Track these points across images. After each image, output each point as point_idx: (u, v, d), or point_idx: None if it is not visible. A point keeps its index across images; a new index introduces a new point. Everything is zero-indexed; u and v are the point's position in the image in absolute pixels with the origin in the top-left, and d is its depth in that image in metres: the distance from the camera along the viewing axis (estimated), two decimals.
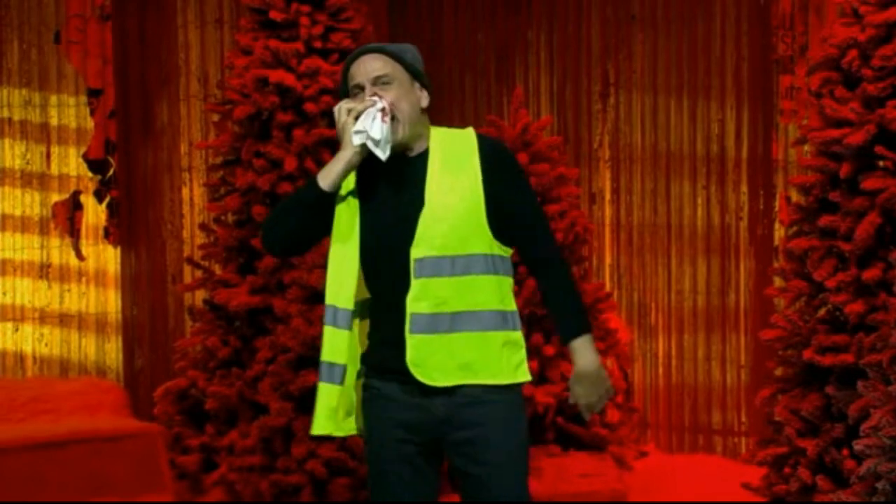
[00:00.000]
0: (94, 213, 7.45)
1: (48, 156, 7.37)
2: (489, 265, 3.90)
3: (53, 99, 7.36)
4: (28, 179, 7.32)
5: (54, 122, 7.37)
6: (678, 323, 7.61)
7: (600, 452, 6.87)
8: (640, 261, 7.68)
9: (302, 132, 6.55)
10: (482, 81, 7.95)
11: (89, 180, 7.44)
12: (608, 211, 7.74)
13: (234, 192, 6.68)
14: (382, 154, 3.83)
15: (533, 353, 6.48)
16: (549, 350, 6.69)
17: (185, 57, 7.59)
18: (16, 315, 7.30)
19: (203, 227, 7.05)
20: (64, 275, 7.39)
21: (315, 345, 6.13)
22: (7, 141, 7.28)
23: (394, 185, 3.92)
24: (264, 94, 6.56)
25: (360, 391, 4.03)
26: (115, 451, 6.40)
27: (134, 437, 6.48)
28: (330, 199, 3.89)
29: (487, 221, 3.89)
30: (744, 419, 7.44)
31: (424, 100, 3.96)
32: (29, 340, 7.34)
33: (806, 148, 6.53)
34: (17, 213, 7.31)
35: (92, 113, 7.43)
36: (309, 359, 6.19)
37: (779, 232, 7.18)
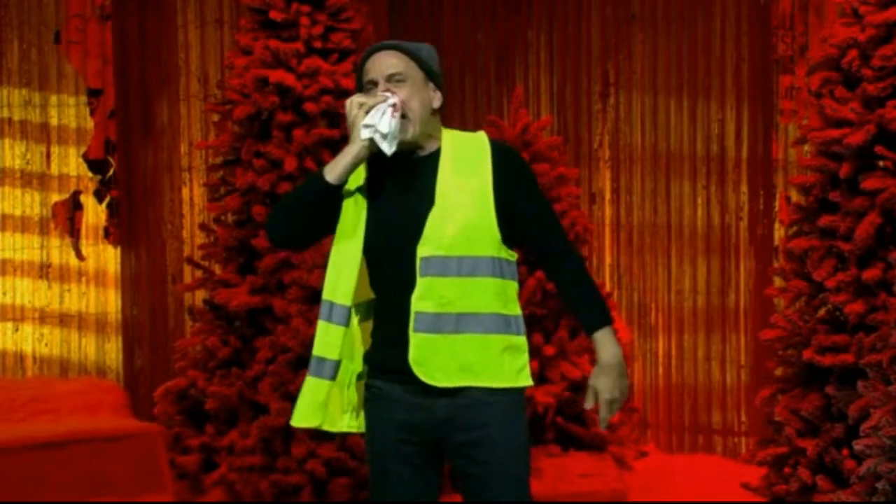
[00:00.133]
0: (94, 213, 7.45)
1: (48, 156, 7.37)
2: (495, 268, 3.89)
3: (53, 99, 7.36)
4: (28, 179, 7.32)
5: (54, 122, 7.37)
6: (678, 323, 7.61)
7: (600, 452, 6.87)
8: (640, 261, 7.68)
9: (302, 132, 6.55)
10: (482, 81, 7.95)
11: (89, 180, 7.44)
12: (608, 211, 7.74)
13: (234, 192, 6.68)
14: (388, 149, 3.82)
15: (533, 353, 6.48)
16: (549, 350, 6.69)
17: (185, 57, 7.59)
18: (16, 315, 7.30)
19: (203, 227, 7.05)
20: (64, 275, 7.39)
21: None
22: (7, 141, 7.28)
23: (403, 184, 3.91)
24: (264, 94, 6.56)
25: (361, 391, 4.03)
26: (115, 451, 6.40)
27: (134, 437, 6.48)
28: (336, 193, 3.87)
29: (497, 224, 3.89)
30: (744, 419, 7.44)
31: (437, 100, 3.96)
32: (29, 340, 7.34)
33: (806, 148, 6.53)
34: (17, 213, 7.31)
35: (92, 113, 7.43)
36: (309, 359, 6.18)
37: (779, 232, 7.18)
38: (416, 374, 3.85)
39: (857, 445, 5.11)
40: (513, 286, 3.95)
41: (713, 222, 7.51)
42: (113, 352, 7.53)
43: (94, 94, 7.42)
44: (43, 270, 7.36)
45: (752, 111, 7.37)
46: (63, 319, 7.39)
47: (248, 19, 6.76)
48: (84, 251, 7.43)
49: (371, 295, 3.98)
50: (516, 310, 3.95)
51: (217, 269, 6.82)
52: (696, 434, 7.58)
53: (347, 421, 4.07)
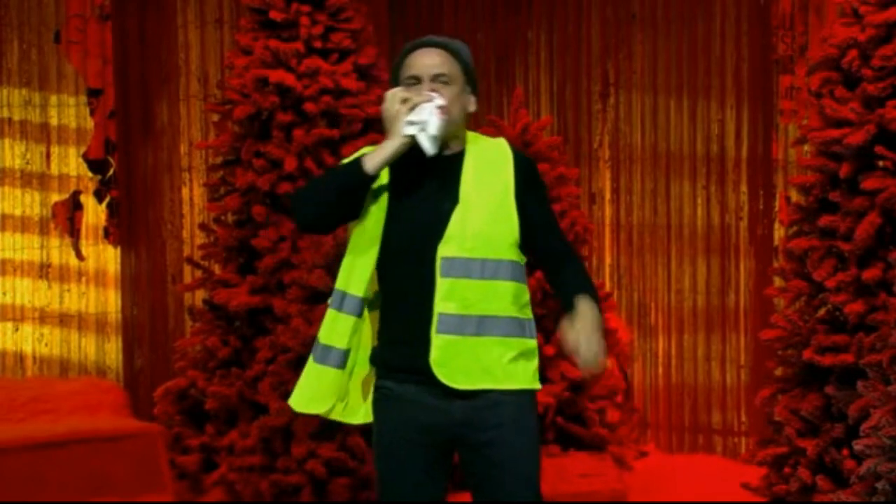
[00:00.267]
0: (94, 213, 7.45)
1: (48, 156, 7.37)
2: (514, 272, 3.92)
3: (53, 99, 7.36)
4: (28, 179, 7.32)
5: (54, 122, 7.37)
6: (678, 323, 7.61)
7: (600, 452, 6.86)
8: (640, 261, 7.68)
9: (302, 132, 6.55)
10: (482, 81, 7.91)
11: (89, 180, 7.44)
12: (608, 211, 7.74)
13: (234, 192, 6.68)
14: (431, 149, 3.82)
15: None
16: (549, 350, 6.69)
17: (185, 57, 7.59)
18: (16, 315, 7.30)
19: (203, 227, 7.05)
20: (64, 275, 7.39)
21: None
22: (7, 141, 7.28)
23: (426, 181, 3.91)
24: (264, 94, 6.56)
25: (366, 387, 4.02)
26: (115, 451, 6.39)
27: (134, 437, 6.48)
28: (370, 184, 3.86)
29: (517, 229, 3.90)
30: (744, 419, 7.44)
31: (472, 105, 3.98)
32: (29, 340, 7.34)
33: (806, 148, 6.53)
34: (17, 213, 7.31)
35: (92, 113, 7.43)
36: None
37: (779, 232, 7.18)
38: (437, 375, 3.84)
39: (857, 445, 5.11)
40: (526, 290, 3.97)
41: (713, 222, 7.50)
42: (113, 352, 7.53)
43: (94, 94, 7.42)
44: (43, 270, 7.36)
45: (752, 111, 7.37)
46: (63, 319, 7.39)
47: (248, 19, 6.76)
48: (84, 251, 7.43)
49: (375, 288, 3.98)
50: (530, 314, 3.98)
51: (217, 269, 6.82)
52: (696, 434, 7.58)
53: (352, 412, 4.06)
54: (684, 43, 7.55)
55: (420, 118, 3.81)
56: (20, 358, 7.32)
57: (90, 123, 7.43)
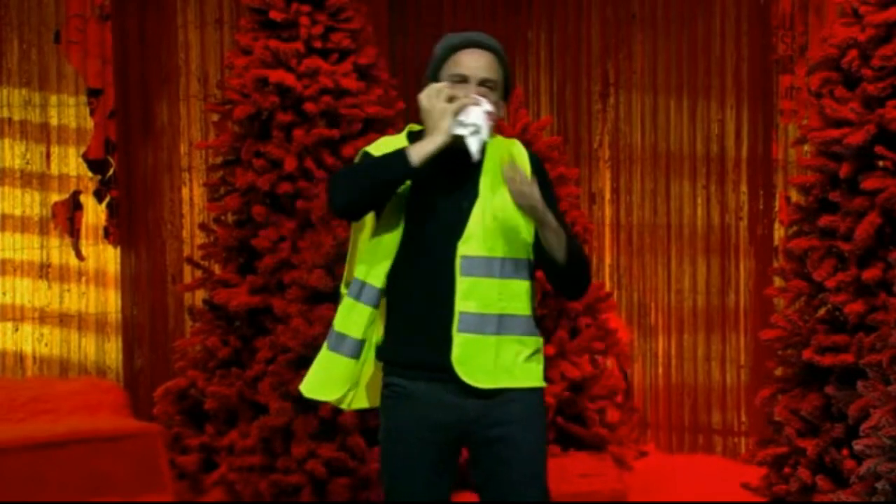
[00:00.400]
0: (94, 213, 7.45)
1: (48, 156, 7.37)
2: (529, 270, 3.95)
3: (53, 99, 7.36)
4: (28, 179, 7.32)
5: (54, 122, 7.37)
6: (678, 323, 7.61)
7: (600, 452, 6.87)
8: (640, 261, 7.68)
9: (302, 132, 6.55)
10: None
11: (89, 180, 7.44)
12: (608, 211, 7.74)
13: (234, 192, 6.68)
14: (478, 154, 3.85)
15: None
16: (550, 350, 6.69)
17: (185, 57, 7.59)
18: (16, 315, 7.30)
19: (203, 227, 7.05)
20: (64, 275, 7.39)
21: (315, 345, 6.13)
22: (7, 141, 7.28)
23: (447, 178, 3.92)
24: (264, 94, 6.55)
25: (376, 370, 4.02)
26: (115, 451, 6.39)
27: (134, 437, 6.48)
28: (412, 177, 3.86)
29: (532, 228, 3.92)
30: (744, 419, 7.44)
31: (503, 110, 4.01)
32: (29, 340, 7.34)
33: (806, 148, 6.53)
34: (17, 213, 7.31)
35: (92, 113, 7.43)
36: (309, 359, 6.17)
37: (779, 232, 7.18)
38: (458, 374, 3.85)
39: (857, 445, 5.10)
40: (535, 288, 3.99)
41: (713, 222, 7.50)
42: (113, 352, 7.53)
43: (94, 94, 7.42)
44: (43, 270, 7.36)
45: (752, 111, 7.37)
46: (63, 319, 7.39)
47: (248, 19, 6.76)
48: (84, 251, 7.43)
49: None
50: (536, 312, 4.00)
51: (217, 269, 6.82)
52: (696, 434, 7.58)
53: (369, 398, 4.06)
54: (684, 43, 7.55)
55: (473, 121, 3.82)
56: (20, 358, 7.32)
57: (90, 123, 7.43)
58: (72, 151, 7.40)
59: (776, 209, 7.26)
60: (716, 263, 7.51)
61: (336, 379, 4.00)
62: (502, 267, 3.88)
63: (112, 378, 7.40)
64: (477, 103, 3.84)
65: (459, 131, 3.83)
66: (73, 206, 7.41)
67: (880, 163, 5.72)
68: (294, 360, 6.27)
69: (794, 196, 6.69)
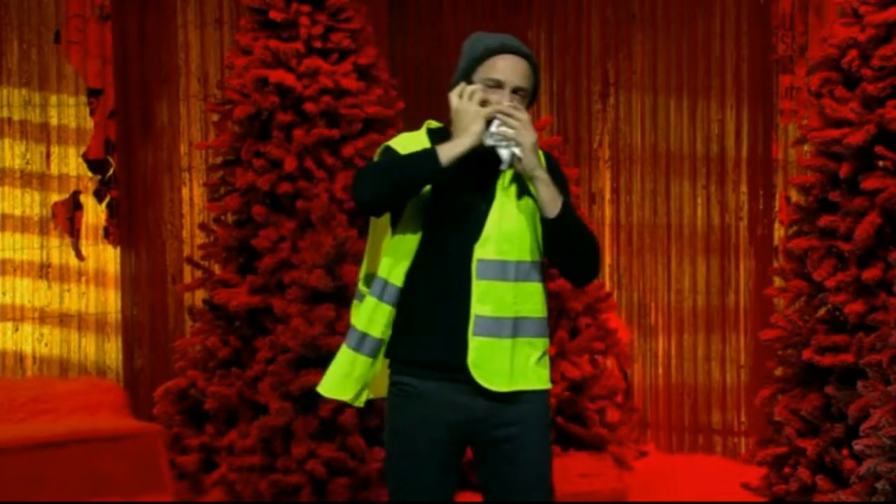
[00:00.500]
0: (94, 213, 7.45)
1: (48, 156, 7.37)
2: (542, 273, 3.97)
3: (53, 99, 7.36)
4: (28, 179, 7.32)
5: (54, 122, 7.37)
6: (678, 323, 7.61)
7: (600, 452, 6.87)
8: (640, 261, 7.68)
9: (302, 132, 6.55)
10: None
11: (89, 180, 7.44)
12: (608, 211, 7.73)
13: (234, 192, 6.68)
14: (507, 166, 3.87)
15: None
16: (550, 350, 6.68)
17: (185, 57, 7.59)
18: (16, 315, 7.30)
19: (203, 227, 7.05)
20: (64, 275, 7.39)
21: (315, 344, 6.13)
22: (7, 141, 7.28)
23: (466, 180, 3.92)
24: (264, 94, 6.55)
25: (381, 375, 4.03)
26: (115, 451, 6.39)
27: (134, 437, 6.47)
28: (440, 177, 3.86)
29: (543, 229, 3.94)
30: (744, 419, 7.44)
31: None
32: (29, 340, 7.34)
33: (806, 148, 6.53)
34: (17, 213, 7.31)
35: (92, 113, 7.43)
36: (309, 359, 6.19)
37: (779, 232, 7.17)
38: (474, 377, 3.87)
39: (857, 445, 5.10)
40: (546, 290, 4.01)
41: (713, 222, 7.50)
42: (113, 352, 7.53)
43: (93, 94, 7.42)
44: (43, 270, 7.36)
45: (752, 111, 7.37)
46: (63, 319, 7.39)
47: (248, 19, 6.76)
48: (84, 251, 7.43)
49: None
50: (548, 313, 4.03)
51: (217, 269, 6.82)
52: (696, 434, 7.57)
53: (374, 391, 4.07)
54: (684, 43, 7.55)
55: (514, 137, 3.84)
56: (20, 358, 7.32)
57: (90, 123, 7.43)
58: (72, 151, 7.40)
59: (776, 209, 7.26)
60: (716, 263, 7.51)
61: (355, 378, 4.00)
62: (517, 270, 3.90)
63: (112, 378, 7.40)
64: (510, 114, 3.86)
65: (494, 143, 3.85)
66: (73, 206, 7.41)
67: (880, 163, 5.72)
68: (294, 360, 6.27)
69: (794, 196, 6.69)
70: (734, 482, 6.33)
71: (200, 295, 6.99)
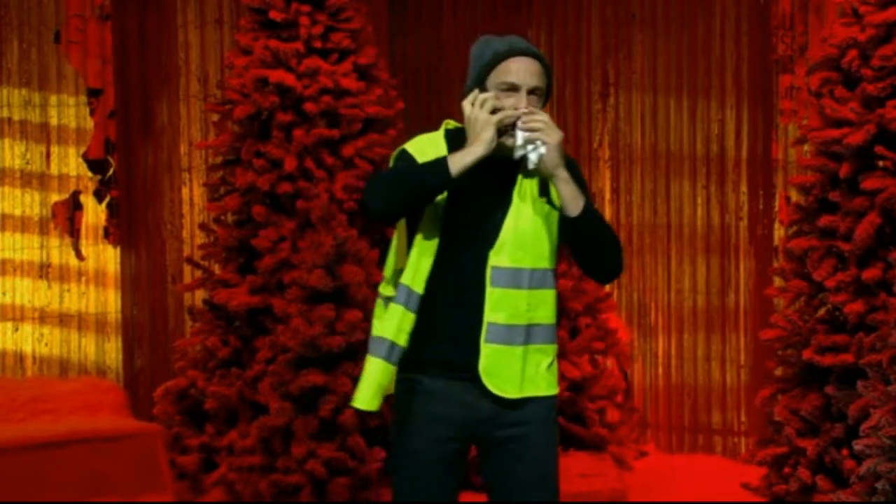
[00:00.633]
0: (94, 213, 7.45)
1: (48, 156, 7.37)
2: (554, 280, 3.97)
3: (53, 99, 7.36)
4: (28, 179, 7.32)
5: (54, 122, 7.37)
6: (678, 323, 7.61)
7: (600, 452, 6.87)
8: (640, 261, 7.68)
9: (302, 132, 6.55)
10: None
11: (89, 180, 7.44)
12: (608, 211, 7.73)
13: (234, 192, 6.68)
14: (533, 165, 3.86)
15: None
16: None
17: (185, 57, 7.58)
18: (16, 315, 7.30)
19: (203, 227, 7.05)
20: (64, 275, 7.39)
21: (315, 344, 6.13)
22: (7, 141, 7.28)
23: (482, 186, 3.92)
24: (264, 94, 6.55)
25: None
26: (115, 451, 6.39)
27: (134, 437, 6.48)
28: (451, 187, 3.86)
29: (557, 234, 3.93)
30: (744, 419, 7.44)
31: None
32: (29, 340, 7.34)
33: (806, 148, 6.53)
34: (17, 213, 7.31)
35: (92, 113, 7.43)
36: (309, 359, 6.18)
37: (779, 232, 7.18)
38: (486, 385, 3.88)
39: (857, 445, 5.10)
40: (557, 296, 4.03)
41: (713, 222, 7.50)
42: (113, 352, 7.53)
43: (93, 94, 7.42)
44: (43, 270, 7.36)
45: (752, 111, 7.37)
46: (63, 319, 7.39)
47: (248, 19, 6.76)
48: (84, 251, 7.43)
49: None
50: (557, 319, 4.04)
51: (217, 269, 6.82)
52: (696, 434, 7.57)
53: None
54: (684, 43, 7.55)
55: (537, 136, 3.83)
56: (20, 358, 7.32)
57: (90, 123, 7.43)
58: (72, 151, 7.40)
59: (776, 209, 7.26)
60: (716, 263, 7.51)
61: (385, 388, 4.00)
62: (531, 278, 3.90)
63: (112, 378, 7.40)
64: (530, 118, 3.85)
65: (521, 151, 3.85)
66: (73, 206, 7.41)
67: (880, 163, 5.72)
68: (294, 360, 6.27)
69: (794, 196, 6.69)
70: (734, 482, 6.33)
71: (200, 295, 6.99)
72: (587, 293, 7.00)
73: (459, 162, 3.83)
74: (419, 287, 3.92)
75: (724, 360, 7.51)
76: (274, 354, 6.41)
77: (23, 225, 7.31)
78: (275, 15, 6.61)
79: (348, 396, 6.07)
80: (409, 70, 7.92)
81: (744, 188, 7.41)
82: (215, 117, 7.18)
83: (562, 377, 6.77)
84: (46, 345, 7.36)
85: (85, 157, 7.43)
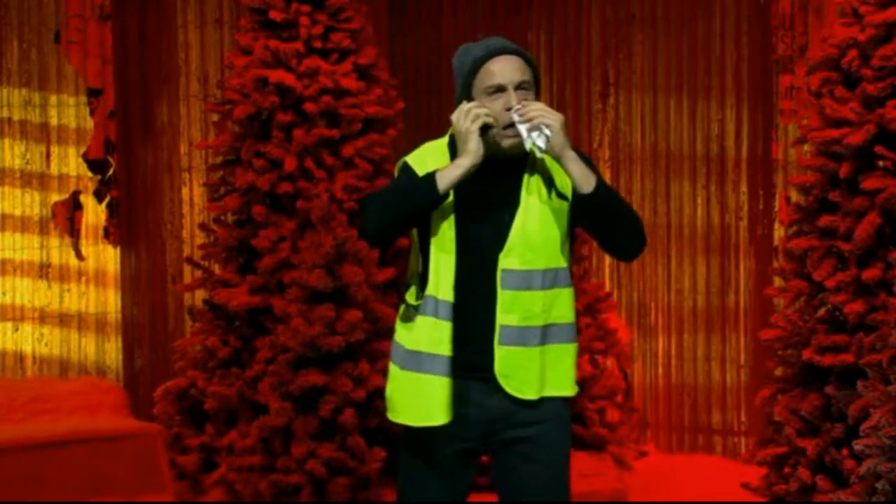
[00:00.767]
0: (94, 213, 7.45)
1: (48, 156, 7.36)
2: (568, 277, 3.98)
3: (53, 99, 7.36)
4: (28, 179, 7.32)
5: (54, 122, 7.37)
6: (678, 323, 7.61)
7: (600, 452, 6.86)
8: (640, 261, 7.67)
9: (302, 132, 6.55)
10: None
11: (89, 180, 7.43)
12: None
13: (234, 192, 6.68)
14: (541, 152, 3.88)
15: None
16: None
17: (185, 57, 7.58)
18: (16, 315, 7.29)
19: (203, 227, 7.05)
20: (64, 275, 7.39)
21: (315, 344, 6.13)
22: (7, 141, 7.28)
23: (489, 189, 3.93)
24: (264, 94, 6.55)
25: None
26: (115, 451, 6.39)
27: (134, 437, 6.48)
28: (441, 203, 3.87)
29: (568, 234, 3.94)
30: (744, 419, 7.44)
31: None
32: (29, 340, 7.33)
33: (806, 148, 6.53)
34: (17, 213, 7.30)
35: (92, 113, 7.43)
36: (309, 359, 6.18)
37: (779, 232, 7.17)
38: (503, 387, 3.89)
39: (857, 445, 5.10)
40: (574, 294, 4.03)
41: (713, 222, 7.50)
42: (113, 352, 7.52)
43: (93, 94, 7.42)
44: (43, 270, 7.36)
45: (752, 111, 7.37)
46: (63, 319, 7.39)
47: (248, 19, 6.76)
48: (84, 251, 7.43)
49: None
50: (577, 317, 4.04)
51: (217, 269, 6.82)
52: (695, 434, 7.57)
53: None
54: (684, 43, 7.55)
55: (538, 122, 3.85)
56: (20, 358, 7.32)
57: (90, 123, 7.42)
58: (72, 151, 7.40)
59: (776, 209, 7.26)
60: (716, 263, 7.51)
61: (448, 400, 3.90)
62: (544, 278, 3.91)
63: (112, 378, 7.40)
64: (527, 111, 3.87)
65: (529, 143, 3.86)
66: (73, 206, 7.41)
67: (880, 163, 5.72)
68: (294, 360, 6.27)
69: (794, 196, 6.69)
70: (734, 482, 6.33)
71: (200, 295, 6.99)
72: (587, 293, 6.99)
73: (447, 177, 3.84)
74: (445, 295, 3.89)
75: (724, 360, 7.51)
76: (274, 354, 6.41)
77: (23, 225, 7.31)
78: (275, 15, 6.61)
79: (348, 396, 6.09)
80: (409, 70, 7.92)
81: (744, 188, 7.41)
82: (215, 117, 7.18)
83: None
84: (46, 345, 7.36)
85: (85, 157, 7.43)
